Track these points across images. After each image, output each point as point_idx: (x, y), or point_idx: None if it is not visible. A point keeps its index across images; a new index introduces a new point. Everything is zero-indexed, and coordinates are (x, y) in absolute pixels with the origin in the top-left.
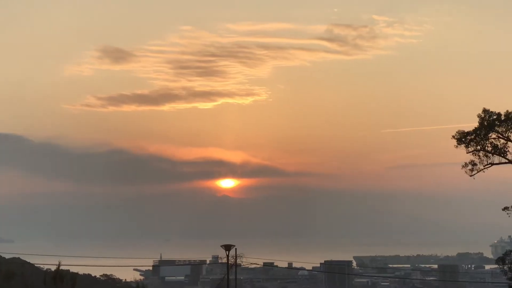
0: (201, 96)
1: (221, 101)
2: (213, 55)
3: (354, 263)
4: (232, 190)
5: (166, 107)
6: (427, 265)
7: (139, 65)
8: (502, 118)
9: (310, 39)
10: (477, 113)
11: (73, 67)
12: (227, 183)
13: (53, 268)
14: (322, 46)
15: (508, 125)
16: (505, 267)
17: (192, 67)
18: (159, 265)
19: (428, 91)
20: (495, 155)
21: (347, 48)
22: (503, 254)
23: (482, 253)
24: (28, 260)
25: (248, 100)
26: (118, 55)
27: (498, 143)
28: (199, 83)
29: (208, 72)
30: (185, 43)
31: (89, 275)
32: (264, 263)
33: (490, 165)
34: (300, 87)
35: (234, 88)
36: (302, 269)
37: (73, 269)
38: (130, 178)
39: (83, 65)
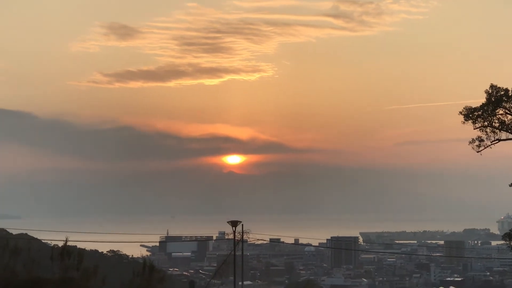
0: (207, 72)
1: (227, 77)
2: (219, 31)
3: (361, 239)
4: (239, 166)
5: (172, 84)
6: (434, 241)
7: (145, 41)
8: (510, 94)
9: (316, 16)
10: (485, 89)
11: (79, 43)
12: (233, 159)
13: (60, 244)
14: (328, 23)
15: None
16: None
17: (198, 44)
18: (166, 241)
19: (435, 67)
20: (502, 131)
21: (353, 24)
22: (509, 230)
23: (488, 229)
24: (35, 236)
25: (254, 77)
26: (124, 31)
27: (506, 119)
28: (205, 60)
29: (214, 49)
30: (191, 19)
31: (96, 251)
32: (270, 239)
33: (497, 141)
34: (306, 63)
35: (240, 64)
36: (309, 245)
37: (80, 245)
38: (136, 154)
39: (89, 41)
